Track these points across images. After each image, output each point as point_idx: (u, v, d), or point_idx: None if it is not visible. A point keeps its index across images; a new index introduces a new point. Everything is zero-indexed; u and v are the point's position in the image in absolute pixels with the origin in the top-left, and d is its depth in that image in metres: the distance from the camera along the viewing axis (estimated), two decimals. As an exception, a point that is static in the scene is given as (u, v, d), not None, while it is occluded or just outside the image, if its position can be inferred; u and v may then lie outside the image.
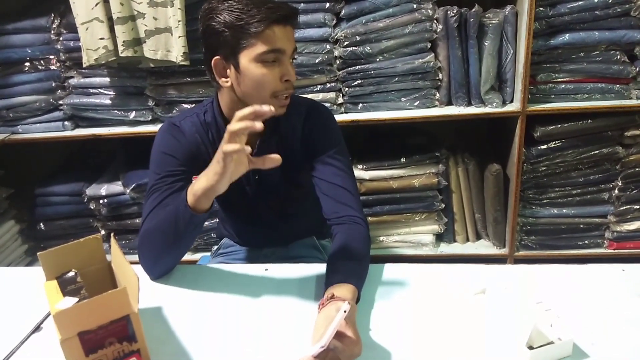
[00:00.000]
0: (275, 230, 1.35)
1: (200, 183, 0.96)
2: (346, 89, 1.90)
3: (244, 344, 0.92)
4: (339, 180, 1.14)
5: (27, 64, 2.01)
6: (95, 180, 2.16)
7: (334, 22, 1.85)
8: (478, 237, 2.15)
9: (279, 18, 1.01)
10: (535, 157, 1.88)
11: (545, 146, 1.87)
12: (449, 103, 1.92)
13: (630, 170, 1.89)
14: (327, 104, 1.87)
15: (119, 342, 0.82)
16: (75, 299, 0.84)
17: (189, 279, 1.12)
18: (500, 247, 2.07)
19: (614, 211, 1.96)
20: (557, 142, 1.87)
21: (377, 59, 1.86)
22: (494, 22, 1.76)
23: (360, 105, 1.92)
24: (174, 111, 1.97)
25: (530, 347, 0.82)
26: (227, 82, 1.07)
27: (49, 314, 1.01)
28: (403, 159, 1.99)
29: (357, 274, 0.99)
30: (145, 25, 1.78)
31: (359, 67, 1.86)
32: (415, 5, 1.79)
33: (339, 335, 0.80)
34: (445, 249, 2.12)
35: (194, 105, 1.89)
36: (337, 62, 1.88)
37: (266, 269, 1.14)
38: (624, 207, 1.94)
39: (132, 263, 0.88)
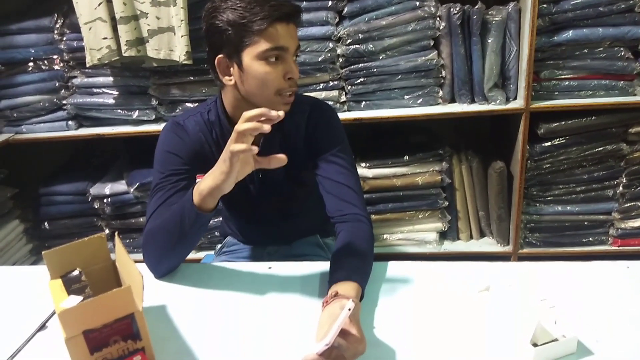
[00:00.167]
0: (278, 229, 1.35)
1: (206, 182, 0.96)
2: (349, 87, 1.90)
3: (248, 341, 0.92)
4: (343, 178, 1.14)
5: (31, 64, 2.01)
6: (99, 180, 2.17)
7: (337, 20, 1.85)
8: (482, 234, 2.15)
9: (282, 16, 1.01)
10: (539, 154, 1.88)
11: (549, 143, 1.87)
12: (452, 100, 1.91)
13: (634, 167, 1.89)
14: (330, 102, 1.87)
15: (123, 340, 0.82)
16: (80, 298, 0.85)
17: (193, 278, 1.12)
18: (504, 245, 2.07)
19: (618, 208, 1.95)
20: (561, 139, 1.86)
21: (380, 57, 1.86)
22: (497, 19, 1.75)
23: (363, 103, 1.92)
24: (177, 110, 1.97)
25: (535, 344, 0.82)
26: (230, 80, 1.08)
27: (53, 313, 1.02)
28: (406, 157, 1.99)
29: (361, 271, 0.99)
30: (148, 24, 1.78)
31: (362, 65, 1.86)
32: (418, 3, 1.79)
33: (343, 333, 0.80)
34: (449, 246, 2.12)
35: (197, 104, 1.90)
36: (340, 60, 1.88)
37: (270, 267, 1.14)
38: (629, 204, 1.93)
39: (136, 262, 0.88)
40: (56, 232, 2.23)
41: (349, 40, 1.83)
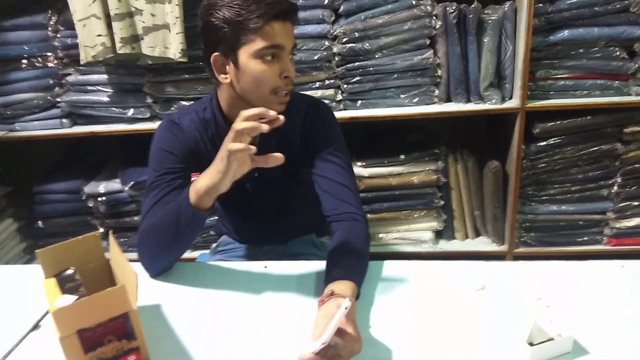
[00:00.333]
0: (274, 227, 1.35)
1: (203, 181, 0.95)
2: (345, 85, 1.90)
3: (244, 341, 0.91)
4: (339, 177, 1.14)
5: (25, 61, 2.00)
6: (94, 178, 2.16)
7: (333, 18, 1.84)
8: (477, 234, 2.15)
9: (278, 14, 1.00)
10: (534, 153, 1.88)
11: (544, 143, 1.87)
12: (448, 100, 1.91)
13: (629, 167, 1.89)
14: (326, 101, 1.86)
15: (118, 339, 0.82)
16: (74, 297, 0.84)
17: (188, 277, 1.11)
18: (500, 244, 2.07)
19: (613, 208, 1.96)
20: (556, 138, 1.87)
21: (376, 56, 1.85)
22: (493, 18, 1.76)
23: (359, 102, 1.92)
24: (172, 108, 1.96)
25: (531, 344, 0.82)
26: (226, 78, 1.07)
27: (47, 312, 1.01)
28: (402, 156, 1.99)
29: (357, 270, 0.99)
30: (143, 21, 1.77)
31: (358, 63, 1.86)
32: (414, 2, 1.79)
33: (339, 332, 0.79)
34: (445, 245, 2.12)
35: (192, 102, 1.88)
36: (336, 58, 1.87)
37: (265, 266, 1.13)
38: (623, 204, 1.94)
39: (130, 261, 0.88)
40: (50, 231, 2.21)
41: (345, 39, 1.83)
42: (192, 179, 1.18)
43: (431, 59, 1.83)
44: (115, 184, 2.10)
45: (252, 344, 0.91)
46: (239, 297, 1.04)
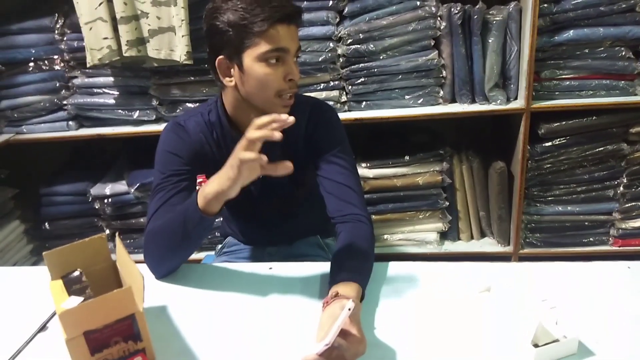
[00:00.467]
0: (279, 229, 1.35)
1: (211, 186, 0.96)
2: (350, 87, 1.90)
3: (249, 342, 0.92)
4: (343, 179, 1.14)
5: (32, 64, 2.01)
6: (100, 180, 2.17)
7: (337, 20, 1.84)
8: (482, 234, 2.15)
9: (282, 17, 1.00)
10: (539, 154, 1.87)
11: (549, 143, 1.86)
12: (453, 100, 1.91)
13: (635, 167, 1.88)
14: (330, 102, 1.87)
15: (124, 341, 0.82)
16: (81, 299, 0.85)
17: (194, 278, 1.12)
18: (505, 245, 2.07)
19: (619, 208, 1.95)
20: (561, 139, 1.86)
21: (381, 57, 1.85)
22: (497, 18, 1.75)
23: (364, 103, 1.92)
24: (178, 110, 1.97)
25: (536, 345, 0.82)
26: (231, 81, 1.07)
27: (54, 314, 1.01)
28: (407, 157, 1.98)
29: (362, 272, 0.99)
30: (149, 24, 1.78)
31: (363, 65, 1.86)
32: (418, 3, 1.79)
33: (343, 333, 0.80)
34: (450, 246, 2.12)
35: (197, 104, 1.89)
36: (341, 60, 1.87)
37: (270, 268, 1.14)
38: (629, 204, 1.93)
39: (137, 262, 0.88)
40: (57, 233, 2.23)
41: (349, 40, 1.83)
42: (198, 180, 1.19)
43: (436, 60, 1.83)
44: (121, 186, 2.11)
45: (257, 345, 0.91)
46: (244, 298, 1.04)
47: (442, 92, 1.89)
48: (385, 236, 2.11)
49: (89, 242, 0.96)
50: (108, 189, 2.11)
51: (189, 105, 1.97)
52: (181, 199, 1.10)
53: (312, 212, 1.32)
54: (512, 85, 1.84)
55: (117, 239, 0.95)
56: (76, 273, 0.94)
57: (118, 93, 2.00)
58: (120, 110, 2.01)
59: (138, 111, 2.00)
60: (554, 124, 1.83)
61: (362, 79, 1.88)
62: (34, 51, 1.99)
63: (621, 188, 1.92)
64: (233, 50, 1.03)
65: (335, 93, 1.91)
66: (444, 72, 1.86)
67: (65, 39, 1.95)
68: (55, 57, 2.00)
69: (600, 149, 1.86)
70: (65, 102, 2.03)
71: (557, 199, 1.97)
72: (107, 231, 2.18)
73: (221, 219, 1.55)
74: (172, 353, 0.90)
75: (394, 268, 1.10)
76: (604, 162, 1.90)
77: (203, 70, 1.90)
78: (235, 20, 1.00)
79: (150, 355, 0.86)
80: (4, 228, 2.14)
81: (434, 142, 2.05)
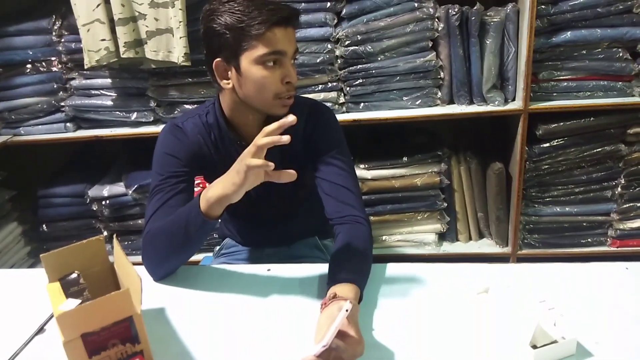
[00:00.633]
0: (277, 230, 1.35)
1: (215, 190, 0.96)
2: (348, 88, 1.90)
3: (247, 344, 0.92)
4: (341, 180, 1.14)
5: (29, 65, 2.01)
6: (98, 182, 2.17)
7: (335, 21, 1.84)
8: (481, 235, 2.15)
9: (280, 20, 1.00)
10: (537, 155, 1.88)
11: (547, 144, 1.87)
12: (451, 102, 1.91)
13: (633, 168, 1.89)
14: (328, 104, 1.87)
15: (122, 343, 0.82)
16: (78, 301, 0.84)
17: (192, 280, 1.12)
18: (503, 246, 2.07)
19: (617, 209, 1.95)
20: (559, 140, 1.86)
21: (379, 58, 1.85)
22: (495, 20, 1.75)
23: (362, 104, 1.92)
24: (176, 112, 1.97)
25: (534, 346, 0.82)
26: (228, 84, 1.07)
27: (51, 316, 1.01)
28: (405, 158, 1.98)
29: (360, 273, 0.99)
30: (147, 26, 1.78)
31: (361, 66, 1.86)
32: (416, 4, 1.79)
33: (341, 335, 0.79)
34: (448, 248, 2.12)
35: (195, 105, 1.89)
36: (339, 61, 1.87)
37: (269, 269, 1.14)
38: (627, 205, 1.94)
39: (134, 264, 0.88)
40: (54, 235, 2.22)
41: (347, 42, 1.83)
42: (196, 182, 1.19)
43: (434, 61, 1.83)
44: (119, 188, 2.10)
45: (255, 346, 0.91)
46: (242, 300, 1.04)
47: (440, 94, 1.89)
48: (384, 237, 2.11)
49: (87, 244, 0.96)
50: (106, 190, 2.11)
51: (187, 106, 1.97)
52: (179, 201, 1.10)
53: (310, 214, 1.32)
54: (510, 87, 1.84)
55: (115, 241, 0.95)
56: (74, 275, 0.93)
57: (116, 94, 2.00)
58: (118, 112, 2.01)
59: (136, 113, 2.00)
60: (551, 125, 1.84)
61: (360, 80, 1.88)
62: (31, 53, 1.99)
63: (619, 189, 1.92)
64: (230, 52, 1.03)
65: (333, 94, 1.91)
66: (441, 73, 1.86)
67: (62, 40, 1.95)
68: (53, 58, 2.00)
69: (598, 149, 1.86)
70: (63, 104, 2.02)
71: (555, 199, 1.97)
72: (105, 233, 2.17)
73: (219, 220, 1.55)
74: (170, 355, 0.90)
75: (392, 269, 1.10)
76: (602, 163, 1.90)
77: (201, 72, 1.90)
78: (232, 23, 1.00)
79: (148, 358, 0.86)
80: (1, 230, 2.14)
81: (432, 143, 2.05)
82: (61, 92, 2.02)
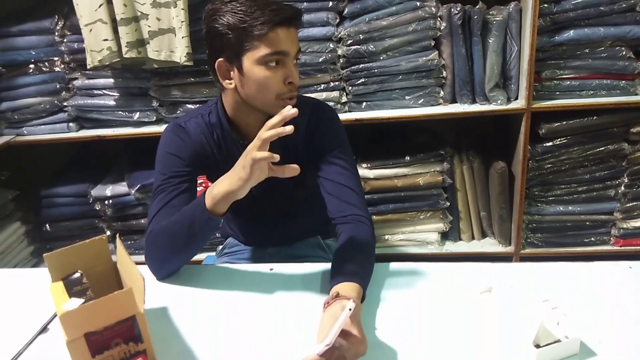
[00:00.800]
0: (280, 230, 1.35)
1: (221, 187, 0.96)
2: (350, 87, 1.90)
3: (250, 343, 0.92)
4: (344, 180, 1.14)
5: (32, 66, 2.01)
6: (100, 181, 2.17)
7: (337, 20, 1.84)
8: (483, 235, 2.14)
9: (282, 20, 1.00)
10: (540, 154, 1.87)
11: (550, 143, 1.86)
12: (453, 101, 1.91)
13: (636, 167, 1.88)
14: (330, 103, 1.87)
15: (125, 342, 0.82)
16: (81, 300, 0.84)
17: (195, 279, 1.12)
18: (506, 245, 2.07)
19: (620, 208, 1.95)
20: (562, 139, 1.86)
21: (381, 57, 1.85)
22: (498, 19, 1.75)
23: (364, 103, 1.92)
24: (178, 111, 1.97)
25: (537, 346, 0.82)
26: (230, 84, 1.07)
27: (55, 315, 1.01)
28: (407, 158, 1.98)
29: (362, 272, 0.99)
30: (149, 26, 1.78)
31: (363, 65, 1.86)
32: (418, 3, 1.79)
33: (344, 334, 0.79)
34: (451, 247, 2.12)
35: (198, 105, 1.90)
36: (341, 60, 1.87)
37: (271, 269, 1.14)
38: (630, 204, 1.93)
39: (137, 263, 0.88)
40: (57, 234, 2.23)
41: (349, 41, 1.83)
42: (199, 181, 1.19)
43: (436, 60, 1.83)
44: (121, 187, 2.11)
45: (258, 346, 0.91)
46: (245, 299, 1.04)
47: (442, 93, 1.89)
48: (386, 237, 2.11)
49: (90, 244, 0.96)
50: (109, 190, 2.11)
51: (189, 106, 1.97)
52: (182, 201, 1.10)
53: (312, 213, 1.32)
54: (512, 85, 1.84)
55: (118, 241, 0.95)
56: (77, 275, 0.94)
57: (118, 94, 2.00)
58: (120, 112, 2.01)
59: (138, 112, 2.01)
60: (554, 124, 1.83)
61: (363, 80, 1.88)
62: (34, 53, 1.99)
63: (622, 188, 1.92)
64: (232, 53, 1.03)
65: (335, 94, 1.91)
66: (444, 72, 1.86)
67: (65, 40, 1.95)
68: (56, 58, 2.00)
69: (601, 148, 1.86)
70: (65, 104, 2.03)
71: (558, 198, 1.96)
72: (108, 232, 2.17)
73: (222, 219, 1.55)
74: (173, 354, 0.90)
75: (395, 269, 1.10)
76: (605, 161, 1.90)
77: (203, 72, 1.90)
78: (234, 23, 1.00)
79: (151, 357, 0.86)
80: (4, 230, 2.14)
81: (435, 142, 2.05)
82: (64, 92, 2.03)
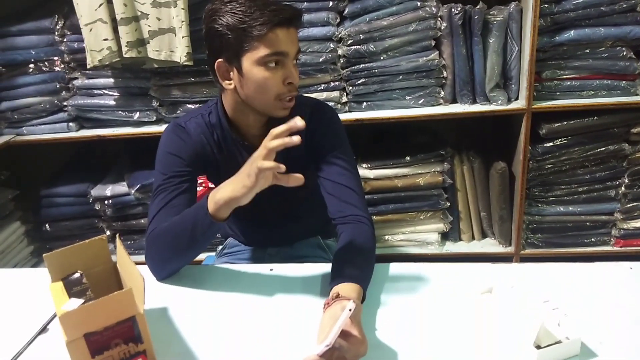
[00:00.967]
0: (280, 230, 1.35)
1: (224, 193, 0.96)
2: (350, 87, 1.90)
3: (250, 343, 0.91)
4: (344, 180, 1.14)
5: (32, 65, 2.01)
6: (100, 181, 2.17)
7: (338, 20, 1.84)
8: (484, 235, 2.14)
9: (282, 21, 1.00)
10: (540, 154, 1.87)
11: (550, 143, 1.86)
12: (454, 101, 1.91)
13: (636, 167, 1.88)
14: (331, 103, 1.86)
15: (124, 343, 0.82)
16: (81, 300, 0.84)
17: (195, 279, 1.12)
18: (506, 246, 2.06)
19: (620, 208, 1.94)
20: (562, 139, 1.86)
21: (381, 58, 1.85)
22: (498, 19, 1.75)
23: (365, 104, 1.92)
24: (178, 111, 1.97)
25: (538, 347, 0.82)
26: (230, 84, 1.07)
27: (54, 316, 1.01)
28: (408, 158, 1.98)
29: (363, 273, 0.99)
30: (149, 25, 1.78)
31: (363, 65, 1.86)
32: (419, 3, 1.78)
33: (344, 334, 0.79)
34: (451, 247, 2.12)
35: (198, 105, 1.89)
36: (341, 60, 1.87)
37: (271, 269, 1.14)
38: (631, 205, 1.93)
39: (137, 264, 0.88)
40: (57, 234, 2.23)
41: (350, 41, 1.83)
42: (199, 181, 1.19)
43: (436, 61, 1.83)
44: (121, 187, 2.11)
45: (258, 346, 0.91)
46: (245, 299, 1.04)
47: (442, 93, 1.89)
48: (386, 237, 2.10)
49: (90, 244, 0.96)
50: (109, 190, 2.11)
51: (190, 106, 1.97)
52: (182, 201, 1.10)
53: (313, 213, 1.32)
54: (513, 86, 1.84)
55: (118, 241, 0.95)
56: (76, 275, 0.93)
57: (118, 94, 2.00)
58: (120, 112, 2.01)
59: (138, 112, 2.00)
60: (555, 124, 1.83)
61: (363, 80, 1.88)
62: (34, 52, 1.99)
63: (623, 188, 1.92)
64: (232, 53, 1.02)
65: (335, 94, 1.91)
66: (444, 72, 1.86)
67: (65, 40, 1.95)
68: (56, 58, 2.00)
69: (601, 149, 1.86)
70: (65, 104, 2.03)
71: (559, 199, 1.96)
72: (108, 232, 2.17)
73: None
74: (173, 355, 0.90)
75: (395, 269, 1.10)
76: (606, 162, 1.90)
77: (203, 72, 1.90)
78: (234, 24, 0.99)
79: (151, 357, 0.85)
80: (4, 230, 2.14)
81: (435, 142, 2.05)
82: (64, 92, 2.03)
